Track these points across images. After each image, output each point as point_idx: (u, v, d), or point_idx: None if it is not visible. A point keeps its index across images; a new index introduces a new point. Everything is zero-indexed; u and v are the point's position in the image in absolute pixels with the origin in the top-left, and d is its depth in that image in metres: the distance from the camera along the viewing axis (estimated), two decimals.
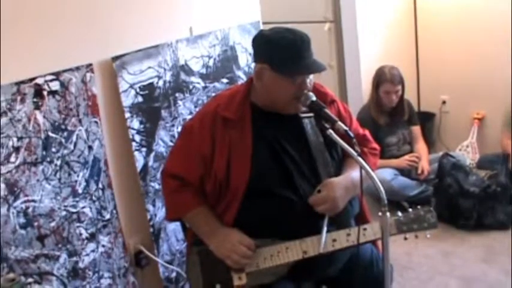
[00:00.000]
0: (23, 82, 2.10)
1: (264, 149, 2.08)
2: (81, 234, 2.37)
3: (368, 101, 4.18)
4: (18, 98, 2.09)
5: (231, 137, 2.08)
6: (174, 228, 2.78)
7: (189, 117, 2.77)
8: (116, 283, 2.54)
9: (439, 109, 4.92)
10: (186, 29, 2.87)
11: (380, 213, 1.86)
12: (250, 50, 2.15)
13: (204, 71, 2.94)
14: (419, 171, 4.01)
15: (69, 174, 2.31)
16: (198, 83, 2.91)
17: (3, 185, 2.06)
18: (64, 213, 2.29)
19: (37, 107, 2.16)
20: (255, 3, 3.37)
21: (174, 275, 2.82)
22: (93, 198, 2.42)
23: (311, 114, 2.12)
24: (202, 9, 2.97)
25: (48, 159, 2.22)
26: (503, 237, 3.52)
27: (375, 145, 2.39)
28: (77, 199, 2.35)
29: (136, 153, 2.58)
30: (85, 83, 2.35)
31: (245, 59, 3.21)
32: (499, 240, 3.52)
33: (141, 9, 2.62)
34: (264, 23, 3.40)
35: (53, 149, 2.24)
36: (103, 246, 2.47)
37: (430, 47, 4.84)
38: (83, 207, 2.38)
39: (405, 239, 2.08)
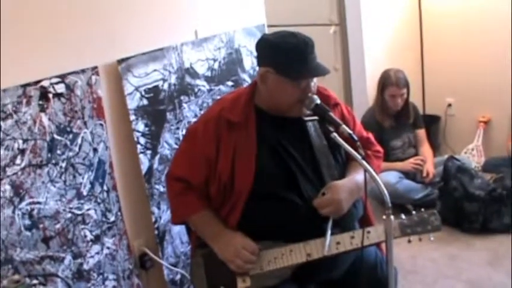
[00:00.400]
0: (28, 85, 2.11)
1: (268, 151, 2.09)
2: (85, 236, 2.38)
3: (373, 104, 4.18)
4: (24, 100, 2.10)
5: (235, 140, 2.09)
6: (178, 230, 2.79)
7: (194, 120, 2.78)
8: (121, 285, 2.55)
9: (445, 112, 4.92)
10: (191, 32, 2.88)
11: (384, 216, 1.86)
12: (255, 53, 2.16)
13: (209, 73, 2.95)
14: (424, 174, 4.01)
15: (74, 177, 2.32)
16: (203, 85, 2.92)
17: (8, 187, 2.07)
18: (69, 215, 2.30)
19: (42, 109, 2.17)
20: (260, 6, 3.38)
21: (178, 277, 2.83)
22: (98, 200, 2.43)
23: (315, 118, 2.12)
24: (207, 12, 2.98)
25: (54, 161, 2.23)
26: (508, 241, 3.50)
27: (379, 148, 2.40)
28: (82, 201, 2.35)
29: (141, 155, 2.59)
30: (90, 85, 2.36)
31: (250, 62, 3.22)
32: (504, 244, 3.50)
33: (146, 12, 2.63)
34: (269, 26, 3.41)
35: (58, 151, 2.25)
36: (108, 248, 2.48)
37: (435, 50, 4.84)
38: (88, 209, 2.38)
39: (409, 241, 2.08)
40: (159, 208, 2.69)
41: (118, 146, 2.53)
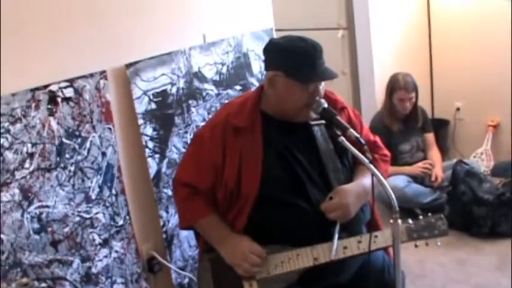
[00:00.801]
0: (37, 89, 2.13)
1: (274, 156, 2.09)
2: (94, 239, 2.39)
3: (381, 108, 4.18)
4: (33, 104, 2.12)
5: (241, 145, 2.09)
6: (186, 234, 2.79)
7: (202, 124, 2.79)
8: None
9: (453, 116, 4.90)
10: (200, 36, 2.89)
11: (391, 221, 1.86)
12: (263, 57, 2.16)
13: (217, 78, 2.96)
14: (432, 179, 3.99)
15: (83, 180, 2.33)
16: (212, 90, 2.93)
17: (17, 191, 2.08)
18: (77, 218, 2.31)
19: (51, 113, 2.19)
20: (268, 10, 3.38)
21: (186, 281, 2.83)
22: (107, 204, 2.44)
23: (321, 122, 2.12)
24: (215, 16, 2.98)
25: (62, 165, 2.24)
26: None
27: (386, 151, 2.39)
28: (90, 205, 2.37)
29: (149, 159, 2.60)
30: (99, 89, 2.37)
31: (258, 66, 3.22)
32: None
33: (154, 17, 2.64)
34: (277, 30, 3.41)
35: (67, 155, 2.26)
36: (116, 251, 2.49)
37: (444, 53, 4.82)
38: (96, 213, 2.39)
39: (416, 246, 2.07)
40: (167, 212, 2.70)
41: (126, 150, 2.54)
